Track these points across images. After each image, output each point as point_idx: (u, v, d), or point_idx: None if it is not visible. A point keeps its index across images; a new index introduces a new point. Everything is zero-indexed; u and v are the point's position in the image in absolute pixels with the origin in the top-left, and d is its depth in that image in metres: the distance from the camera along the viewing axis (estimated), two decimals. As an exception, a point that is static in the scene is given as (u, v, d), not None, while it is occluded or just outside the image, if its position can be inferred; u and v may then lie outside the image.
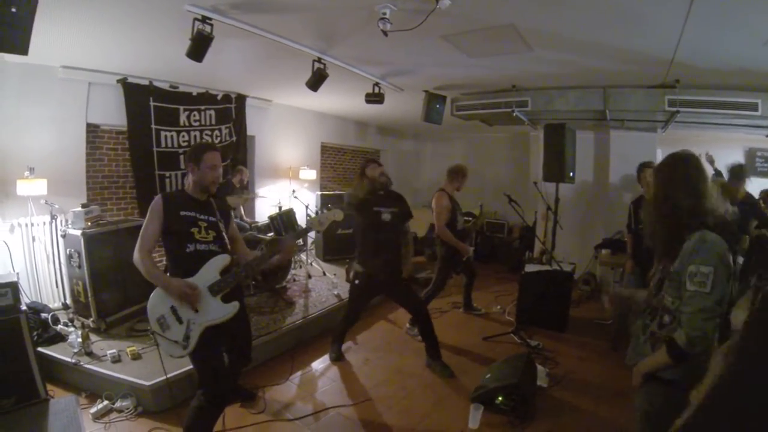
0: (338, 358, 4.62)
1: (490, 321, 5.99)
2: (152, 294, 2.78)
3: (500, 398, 3.67)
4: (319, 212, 3.97)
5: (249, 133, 7.66)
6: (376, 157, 4.61)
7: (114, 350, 3.92)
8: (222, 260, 2.87)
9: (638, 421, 2.20)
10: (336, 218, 3.34)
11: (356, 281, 4.42)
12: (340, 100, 7.62)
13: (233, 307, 2.84)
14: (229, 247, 3.02)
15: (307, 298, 5.89)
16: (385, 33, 3.54)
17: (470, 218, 7.55)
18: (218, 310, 2.79)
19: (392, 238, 4.33)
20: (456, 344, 4.99)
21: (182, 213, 2.83)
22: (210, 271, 2.81)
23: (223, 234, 2.99)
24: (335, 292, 6.07)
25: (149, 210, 2.81)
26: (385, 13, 3.44)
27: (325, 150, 10.14)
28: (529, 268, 5.79)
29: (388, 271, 4.31)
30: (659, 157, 7.00)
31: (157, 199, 2.83)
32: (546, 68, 5.18)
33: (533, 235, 7.75)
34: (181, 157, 6.32)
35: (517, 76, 5.72)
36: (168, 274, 2.85)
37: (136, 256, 2.72)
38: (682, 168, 2.09)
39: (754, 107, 5.27)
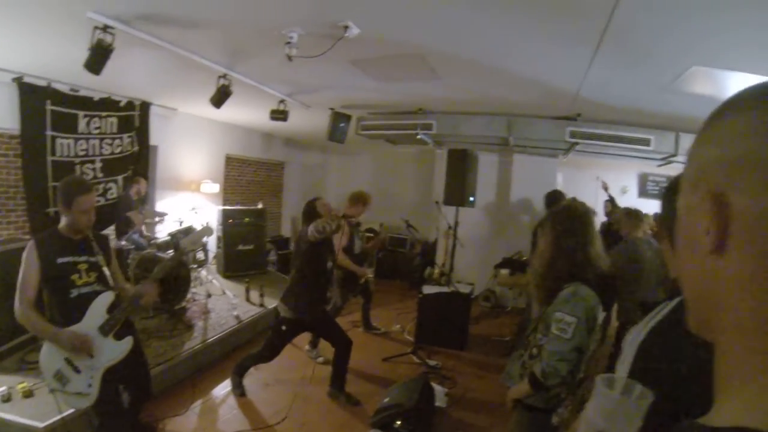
0: (243, 394, 4.36)
1: (391, 340, 6.13)
2: (42, 349, 2.63)
3: (398, 422, 3.74)
4: (190, 233, 3.88)
5: (152, 142, 7.34)
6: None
7: (4, 387, 3.56)
8: (107, 298, 2.78)
9: None
10: (208, 235, 3.38)
11: (283, 327, 4.14)
12: (246, 112, 7.53)
13: (127, 343, 2.79)
14: (111, 282, 2.90)
15: (207, 320, 5.72)
16: (289, 58, 3.53)
17: (372, 233, 7.62)
18: (114, 350, 2.72)
19: (328, 277, 4.28)
20: (356, 366, 5.00)
21: (59, 260, 2.68)
22: (97, 312, 2.71)
23: (105, 272, 2.87)
24: (234, 313, 5.94)
25: (23, 258, 2.64)
26: (291, 38, 3.46)
27: (230, 162, 9.80)
28: (427, 289, 5.95)
29: (320, 311, 4.27)
30: (559, 180, 7.47)
31: (30, 246, 2.67)
32: (453, 94, 5.42)
33: (434, 253, 7.97)
34: (77, 167, 5.96)
35: (424, 99, 5.92)
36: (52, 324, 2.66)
37: (18, 310, 2.55)
38: (580, 224, 2.26)
39: (646, 143, 5.92)
